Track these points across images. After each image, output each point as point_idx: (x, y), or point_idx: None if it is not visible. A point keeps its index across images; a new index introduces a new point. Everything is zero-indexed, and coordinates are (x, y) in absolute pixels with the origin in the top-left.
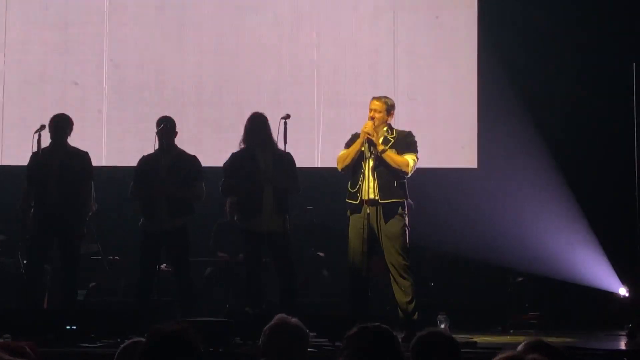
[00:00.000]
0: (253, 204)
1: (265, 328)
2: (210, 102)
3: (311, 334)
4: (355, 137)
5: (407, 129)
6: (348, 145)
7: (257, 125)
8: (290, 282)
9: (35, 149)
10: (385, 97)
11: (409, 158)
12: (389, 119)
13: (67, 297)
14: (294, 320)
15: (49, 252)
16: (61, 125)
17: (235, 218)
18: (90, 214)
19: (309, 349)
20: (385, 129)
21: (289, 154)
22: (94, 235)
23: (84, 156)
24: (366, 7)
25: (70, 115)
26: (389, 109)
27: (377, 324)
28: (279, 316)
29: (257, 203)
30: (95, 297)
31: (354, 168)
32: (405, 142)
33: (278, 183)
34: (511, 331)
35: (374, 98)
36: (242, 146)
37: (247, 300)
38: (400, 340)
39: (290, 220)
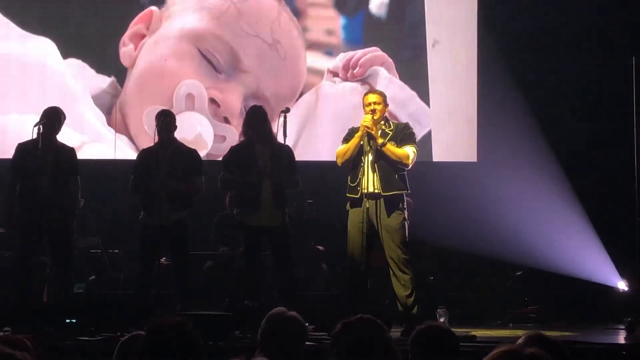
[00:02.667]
0: (252, 198)
1: (262, 322)
2: None
3: (310, 327)
4: (353, 131)
5: (404, 122)
6: (346, 139)
7: (256, 119)
8: (289, 275)
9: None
10: (379, 90)
11: (409, 150)
12: (386, 109)
13: (62, 292)
14: (291, 313)
15: (41, 246)
16: (53, 119)
17: (234, 212)
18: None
19: (307, 343)
20: (382, 122)
21: (288, 147)
22: (93, 229)
23: (70, 152)
24: None
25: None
26: (385, 99)
27: (359, 316)
28: (276, 309)
29: (256, 197)
30: (95, 291)
31: (354, 162)
32: (404, 134)
33: (276, 177)
34: (510, 325)
35: (369, 92)
36: (242, 139)
37: (247, 294)
38: (400, 333)
39: (290, 214)
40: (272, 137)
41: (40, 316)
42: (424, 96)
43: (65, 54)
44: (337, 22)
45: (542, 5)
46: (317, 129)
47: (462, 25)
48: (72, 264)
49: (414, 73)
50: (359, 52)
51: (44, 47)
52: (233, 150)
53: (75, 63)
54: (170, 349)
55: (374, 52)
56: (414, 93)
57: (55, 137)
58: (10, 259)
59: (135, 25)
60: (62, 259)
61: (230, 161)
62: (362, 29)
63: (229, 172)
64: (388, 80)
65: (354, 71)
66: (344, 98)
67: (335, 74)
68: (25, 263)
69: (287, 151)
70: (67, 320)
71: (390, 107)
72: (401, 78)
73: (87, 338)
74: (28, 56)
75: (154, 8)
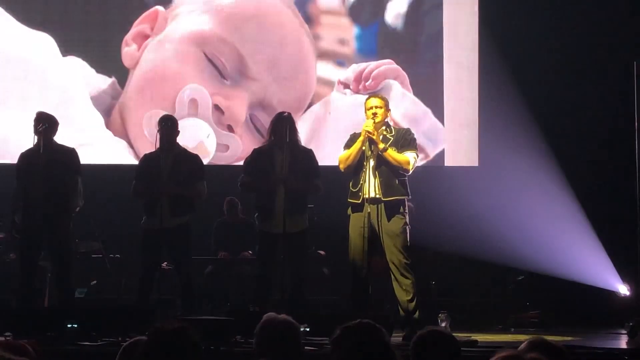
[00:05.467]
0: (267, 205)
1: (256, 329)
2: None
3: (307, 329)
4: (354, 137)
5: (405, 127)
6: (348, 145)
7: (280, 124)
8: (300, 282)
9: (35, 147)
10: (380, 94)
11: (410, 155)
12: (388, 114)
13: (63, 294)
14: (281, 316)
15: (41, 250)
16: (47, 124)
17: (255, 216)
18: (77, 209)
19: (309, 347)
20: (383, 127)
21: (310, 151)
22: (95, 233)
23: (70, 152)
24: None
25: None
26: (387, 104)
27: (358, 320)
28: (266, 315)
29: (271, 204)
30: (96, 296)
31: (356, 167)
32: (405, 140)
33: (291, 185)
34: (512, 330)
35: (371, 96)
36: (265, 142)
37: (253, 299)
38: (401, 338)
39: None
40: (295, 143)
41: (41, 321)
42: (439, 113)
43: (65, 52)
44: (351, 31)
45: (543, 11)
46: (325, 142)
47: (463, 31)
48: (71, 267)
49: (429, 88)
50: (372, 64)
51: (43, 43)
52: (255, 153)
53: (74, 61)
54: (172, 354)
55: (388, 64)
56: (428, 109)
57: (51, 140)
58: (11, 264)
59: (140, 25)
60: (61, 262)
61: (251, 164)
62: (377, 40)
63: (249, 175)
64: (401, 95)
65: (366, 84)
66: (355, 111)
67: (346, 85)
68: (27, 268)
69: (308, 156)
70: (69, 325)
71: (402, 124)
72: (415, 93)
73: (88, 343)
74: (26, 52)
75: (159, 8)
